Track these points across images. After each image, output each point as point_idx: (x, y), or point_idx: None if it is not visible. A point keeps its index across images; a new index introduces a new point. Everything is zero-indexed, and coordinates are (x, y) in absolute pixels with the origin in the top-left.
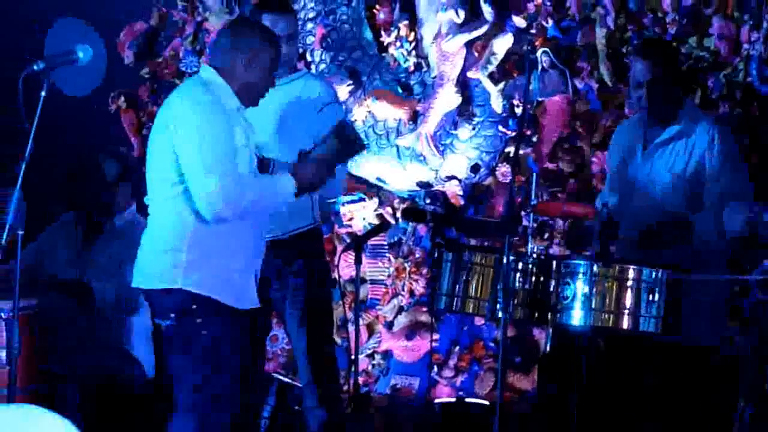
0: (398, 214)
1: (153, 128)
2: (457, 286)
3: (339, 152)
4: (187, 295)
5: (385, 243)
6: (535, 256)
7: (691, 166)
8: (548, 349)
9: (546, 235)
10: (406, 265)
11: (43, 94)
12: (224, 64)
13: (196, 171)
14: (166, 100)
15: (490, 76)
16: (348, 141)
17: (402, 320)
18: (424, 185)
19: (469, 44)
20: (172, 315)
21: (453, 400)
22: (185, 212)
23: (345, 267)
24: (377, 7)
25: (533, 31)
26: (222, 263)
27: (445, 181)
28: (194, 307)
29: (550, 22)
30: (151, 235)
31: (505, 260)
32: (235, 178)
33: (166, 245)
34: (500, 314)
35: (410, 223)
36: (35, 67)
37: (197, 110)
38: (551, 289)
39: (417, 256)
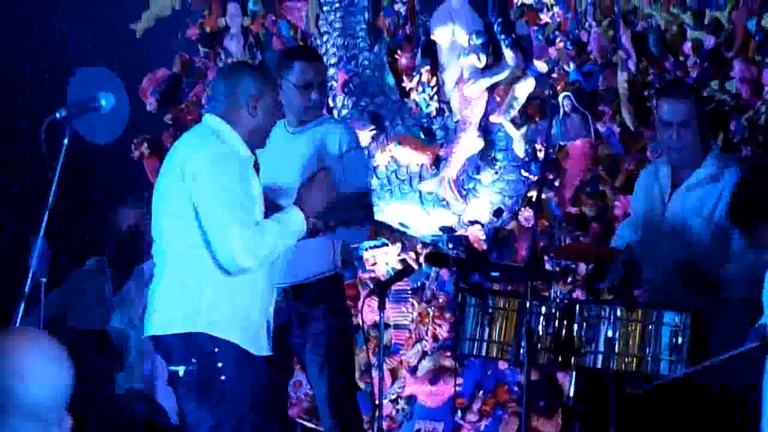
0: (421, 259)
1: (161, 176)
2: (481, 330)
3: (347, 208)
4: (208, 339)
5: (408, 288)
6: (558, 300)
7: (720, 210)
8: (572, 393)
9: (569, 279)
10: (429, 309)
11: (65, 141)
12: (228, 111)
13: (217, 224)
14: (172, 149)
15: (512, 120)
16: (363, 207)
17: (426, 365)
18: (447, 230)
19: (491, 89)
20: (194, 360)
21: None
22: (205, 262)
23: (368, 312)
24: (399, 52)
25: (555, 75)
26: (240, 309)
27: (468, 226)
28: (216, 350)
29: (572, 66)
30: (167, 283)
31: (527, 304)
32: (255, 228)
33: (184, 291)
34: (524, 358)
35: (433, 268)
36: (57, 115)
37: (215, 162)
38: (575, 333)
39: (440, 300)
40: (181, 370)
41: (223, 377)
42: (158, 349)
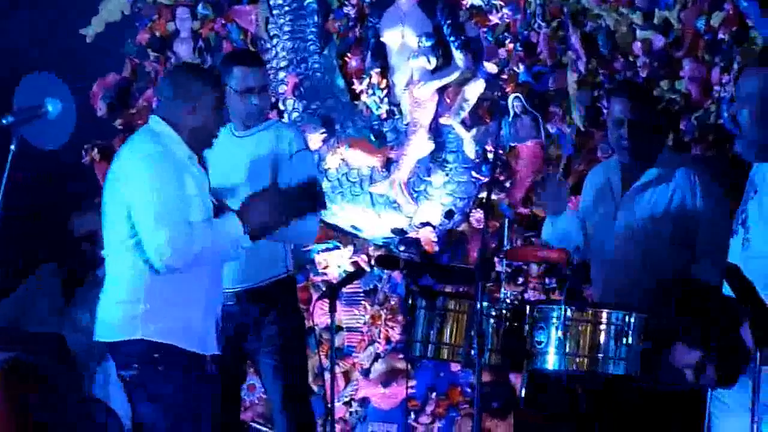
0: (373, 262)
1: (105, 182)
2: (432, 333)
3: (295, 201)
4: (149, 345)
5: (361, 290)
6: (508, 301)
7: (673, 210)
8: (524, 394)
9: (520, 280)
10: (381, 312)
11: (12, 148)
12: (169, 113)
13: (146, 223)
14: (117, 153)
15: (463, 122)
16: (310, 196)
17: (378, 367)
18: (399, 232)
19: (441, 91)
20: (135, 365)
21: None
22: (140, 264)
23: (320, 315)
24: (349, 55)
25: (505, 76)
26: (181, 311)
27: (420, 228)
28: (156, 355)
29: (522, 67)
30: (109, 288)
31: (477, 306)
32: (185, 228)
33: (123, 297)
34: (475, 360)
35: (385, 271)
36: (4, 122)
37: (146, 162)
38: (525, 334)
39: (392, 303)
40: (127, 375)
41: (167, 380)
42: (110, 353)
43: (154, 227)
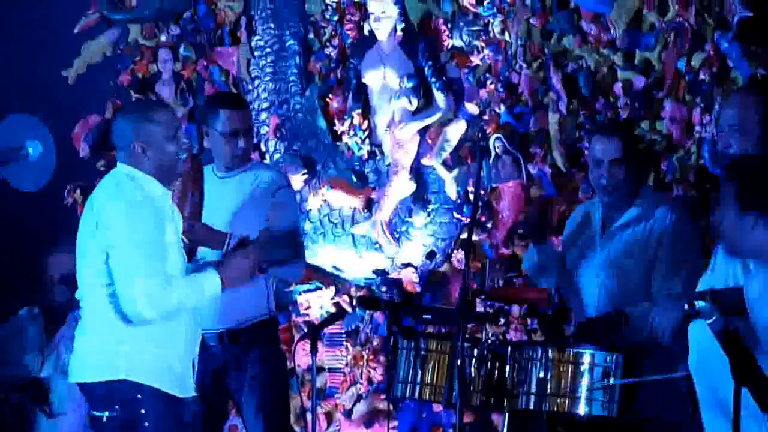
0: (354, 302)
1: (81, 226)
2: (414, 373)
3: (276, 250)
4: (131, 385)
5: (343, 331)
6: (490, 342)
7: (650, 251)
8: None
9: (502, 321)
10: (363, 352)
11: None
12: (130, 158)
13: (123, 273)
14: (91, 197)
15: (444, 163)
16: (292, 244)
17: (361, 408)
18: (380, 273)
19: (422, 132)
20: (117, 406)
21: None
22: (117, 308)
23: (302, 356)
24: (330, 96)
25: (486, 117)
26: (161, 352)
27: (401, 269)
28: (138, 396)
29: (503, 108)
30: (88, 331)
31: (459, 346)
32: (162, 279)
33: (105, 337)
34: (456, 400)
35: (367, 311)
36: None
37: (128, 211)
38: (507, 374)
39: (375, 343)
40: (104, 416)
41: (146, 423)
42: (83, 393)
43: (131, 277)
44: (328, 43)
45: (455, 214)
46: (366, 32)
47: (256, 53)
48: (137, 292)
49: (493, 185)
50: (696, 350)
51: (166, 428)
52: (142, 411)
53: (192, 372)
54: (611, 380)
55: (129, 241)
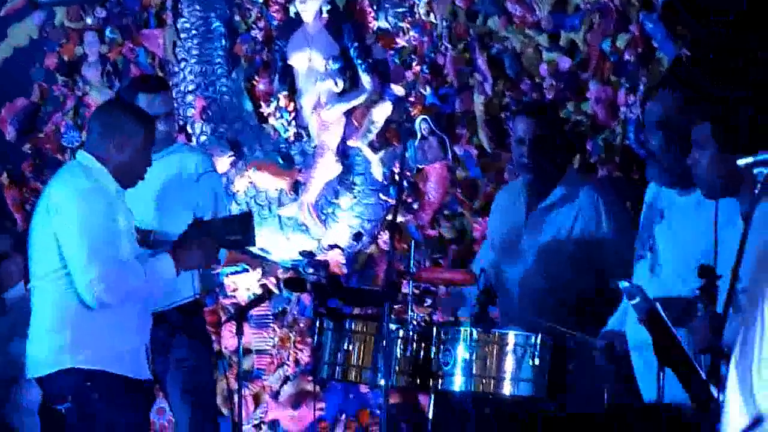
0: (281, 284)
1: (34, 213)
2: (339, 355)
3: (229, 236)
4: (80, 373)
5: (270, 313)
6: (415, 323)
7: (577, 231)
8: (431, 415)
9: (428, 302)
10: (291, 334)
11: None
12: (98, 148)
13: (78, 259)
14: (47, 186)
15: (370, 144)
16: (245, 231)
17: (288, 389)
18: (307, 254)
19: (348, 113)
20: (69, 397)
21: None
22: (67, 295)
23: (229, 338)
24: (256, 78)
25: (412, 98)
26: (109, 338)
27: (328, 250)
28: (89, 384)
29: (429, 89)
30: (35, 321)
31: (384, 328)
32: (117, 265)
33: (49, 328)
34: (381, 382)
35: (294, 293)
36: None
37: (79, 197)
38: (432, 355)
39: (301, 325)
40: (62, 408)
41: (102, 407)
42: (42, 388)
43: (86, 263)
44: (253, 25)
45: (381, 196)
46: (292, 14)
47: (182, 35)
48: (94, 277)
49: (419, 166)
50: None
51: (124, 412)
52: (96, 395)
53: (146, 354)
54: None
55: (81, 227)
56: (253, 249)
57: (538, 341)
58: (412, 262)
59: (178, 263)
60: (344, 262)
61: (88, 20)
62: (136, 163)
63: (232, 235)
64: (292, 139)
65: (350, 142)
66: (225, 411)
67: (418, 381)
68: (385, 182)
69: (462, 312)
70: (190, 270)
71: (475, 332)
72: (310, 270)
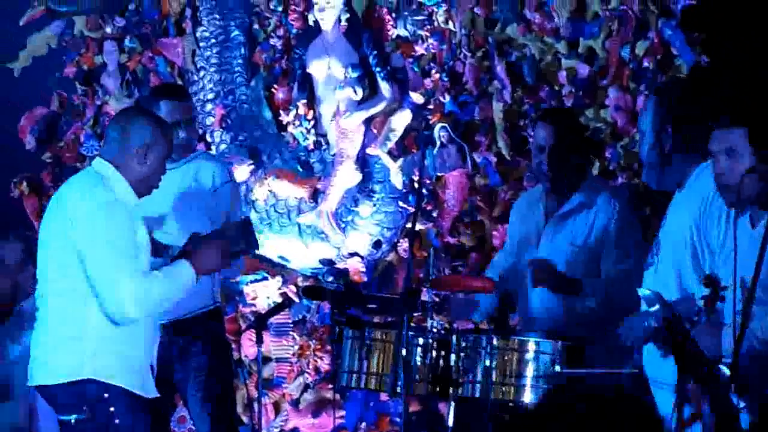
0: (300, 292)
1: (46, 221)
2: (359, 363)
3: (235, 244)
4: (98, 385)
5: (290, 321)
6: (435, 330)
7: (593, 238)
8: (451, 422)
9: (448, 310)
10: (310, 342)
11: None
12: (118, 156)
13: (106, 275)
14: (58, 194)
15: (390, 152)
16: (246, 237)
17: (308, 398)
18: (327, 262)
19: (367, 121)
20: (85, 408)
21: None
22: (86, 308)
23: (249, 346)
24: (276, 86)
25: (431, 106)
26: (124, 351)
27: (347, 258)
28: (106, 395)
29: (448, 97)
30: (50, 331)
31: (403, 335)
32: (142, 277)
33: (66, 336)
34: (401, 390)
35: (314, 301)
36: None
37: (100, 211)
38: (452, 363)
39: (321, 333)
40: (72, 418)
41: (117, 421)
42: (47, 398)
43: (114, 279)
44: (272, 34)
45: (401, 204)
46: (311, 22)
47: (201, 44)
48: (123, 293)
49: (439, 174)
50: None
51: (139, 427)
52: (111, 409)
53: (152, 373)
54: (557, 368)
55: (106, 241)
56: (272, 257)
57: (558, 348)
58: (431, 269)
59: (197, 268)
60: (364, 270)
61: (108, 29)
62: (154, 172)
63: (234, 246)
64: (311, 147)
65: (369, 150)
66: (245, 419)
67: (438, 389)
68: (405, 190)
69: (474, 317)
70: (208, 273)
71: (495, 339)
72: (330, 278)
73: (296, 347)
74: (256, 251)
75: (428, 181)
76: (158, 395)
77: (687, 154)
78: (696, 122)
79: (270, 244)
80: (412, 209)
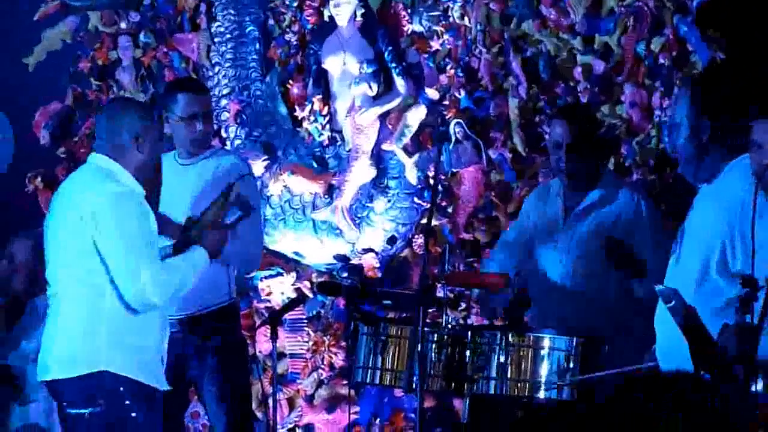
0: (315, 288)
1: (52, 217)
2: (374, 359)
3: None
4: (112, 377)
5: (304, 317)
6: (450, 326)
7: (620, 231)
8: (467, 419)
9: (462, 306)
10: (325, 338)
11: None
12: (114, 150)
13: (124, 264)
14: (62, 191)
15: (405, 148)
16: (236, 202)
17: (322, 393)
18: (341, 258)
19: (382, 117)
20: (100, 400)
21: None
22: (100, 301)
23: (264, 341)
24: (291, 82)
25: (446, 102)
26: (137, 343)
27: (362, 254)
28: (122, 389)
29: (463, 93)
30: (62, 325)
31: (418, 331)
32: (160, 265)
33: (80, 332)
34: (416, 385)
35: (328, 297)
36: None
37: (114, 203)
38: (467, 359)
39: (336, 329)
40: (86, 412)
41: (134, 414)
42: (55, 393)
43: (133, 268)
44: (288, 29)
45: (416, 199)
46: (326, 18)
47: (216, 39)
48: (145, 281)
49: (454, 170)
50: (662, 336)
51: (152, 419)
52: (127, 402)
53: (162, 366)
54: (568, 378)
55: (123, 232)
56: (287, 253)
57: (574, 345)
58: (446, 265)
59: (207, 247)
60: (378, 265)
61: (122, 24)
62: (151, 160)
63: (231, 215)
64: (326, 142)
65: (385, 146)
66: (260, 415)
67: (453, 385)
68: (420, 186)
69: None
70: (217, 252)
71: (510, 336)
72: (345, 274)
73: (311, 343)
74: (254, 210)
75: (443, 177)
76: (170, 388)
77: (724, 147)
78: (734, 113)
79: (285, 240)
80: (427, 205)
